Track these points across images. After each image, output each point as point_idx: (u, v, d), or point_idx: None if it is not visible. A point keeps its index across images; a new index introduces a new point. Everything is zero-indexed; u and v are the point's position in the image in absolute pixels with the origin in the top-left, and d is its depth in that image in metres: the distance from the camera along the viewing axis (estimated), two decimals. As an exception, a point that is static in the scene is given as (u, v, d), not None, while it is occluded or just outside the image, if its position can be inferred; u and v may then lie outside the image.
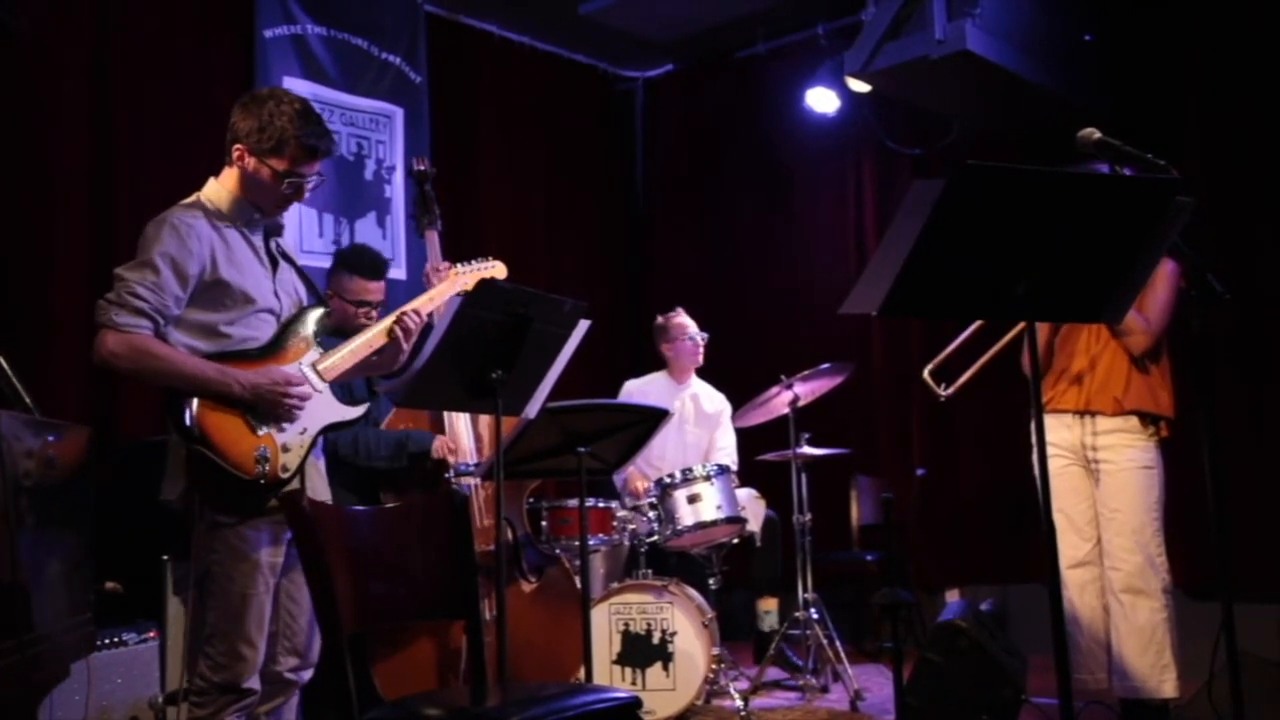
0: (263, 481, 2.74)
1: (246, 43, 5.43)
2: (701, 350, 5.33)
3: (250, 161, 2.85)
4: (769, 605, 5.17)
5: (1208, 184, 4.96)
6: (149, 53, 5.09)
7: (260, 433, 2.76)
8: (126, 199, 4.92)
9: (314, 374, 2.90)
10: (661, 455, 5.21)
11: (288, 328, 2.91)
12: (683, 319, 5.36)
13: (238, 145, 2.86)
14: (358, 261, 4.06)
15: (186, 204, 2.88)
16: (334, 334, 3.92)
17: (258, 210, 2.91)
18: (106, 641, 3.57)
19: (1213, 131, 5.17)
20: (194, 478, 2.74)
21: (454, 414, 4.01)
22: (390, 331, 3.04)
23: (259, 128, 2.83)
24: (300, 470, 2.84)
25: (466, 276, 3.43)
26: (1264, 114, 5.03)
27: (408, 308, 3.11)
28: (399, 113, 5.99)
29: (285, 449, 2.80)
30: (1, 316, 4.46)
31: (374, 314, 4.01)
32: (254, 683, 2.79)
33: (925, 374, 4.18)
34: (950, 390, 4.16)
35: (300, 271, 3.07)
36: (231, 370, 2.74)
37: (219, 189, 2.90)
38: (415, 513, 2.76)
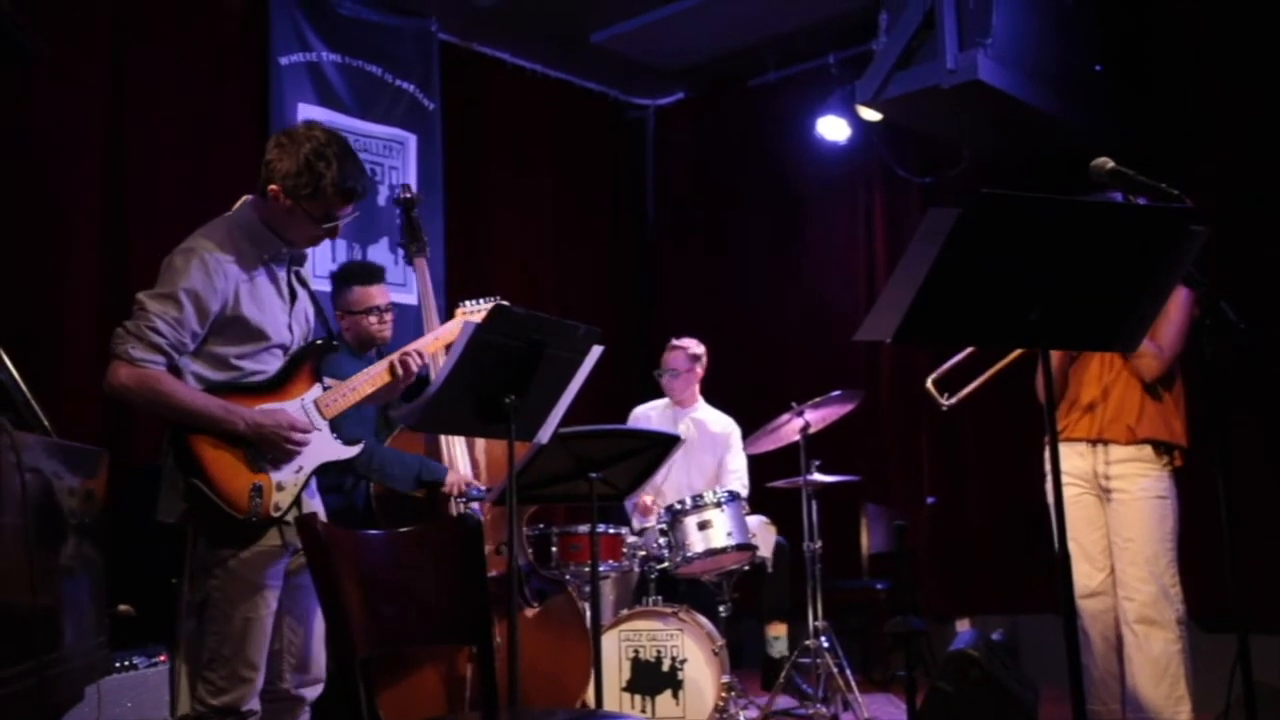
0: (254, 519, 2.75)
1: (262, 70, 5.48)
2: (677, 382, 5.30)
3: (286, 202, 2.81)
4: (778, 631, 5.15)
5: (1218, 212, 4.96)
6: (164, 78, 5.14)
7: (257, 469, 2.78)
8: (140, 223, 4.96)
9: (315, 411, 2.92)
10: (667, 481, 5.20)
11: (294, 362, 2.92)
12: (670, 353, 5.35)
13: (274, 185, 2.81)
14: (350, 274, 4.15)
15: (215, 233, 2.84)
16: (358, 353, 3.97)
17: (287, 244, 2.91)
18: (117, 665, 3.56)
19: (1223, 161, 5.17)
20: (190, 509, 2.76)
21: (450, 439, 4.00)
22: (392, 369, 3.05)
23: (296, 171, 2.77)
24: (294, 508, 2.84)
25: (473, 315, 3.43)
26: (1274, 144, 5.04)
27: (410, 348, 3.12)
28: (412, 139, 6.03)
29: (280, 487, 2.81)
30: (15, 339, 4.47)
31: (387, 318, 4.07)
32: (254, 704, 2.79)
33: (929, 383, 4.17)
34: (953, 400, 4.13)
35: (314, 299, 3.07)
36: (237, 408, 2.76)
37: (251, 218, 2.87)
38: (427, 537, 2.76)
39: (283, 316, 2.91)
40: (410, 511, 3.87)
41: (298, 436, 2.81)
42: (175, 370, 2.75)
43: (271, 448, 2.78)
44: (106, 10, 4.98)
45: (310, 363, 2.95)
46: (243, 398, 2.79)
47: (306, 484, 2.88)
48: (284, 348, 2.91)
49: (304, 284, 3.03)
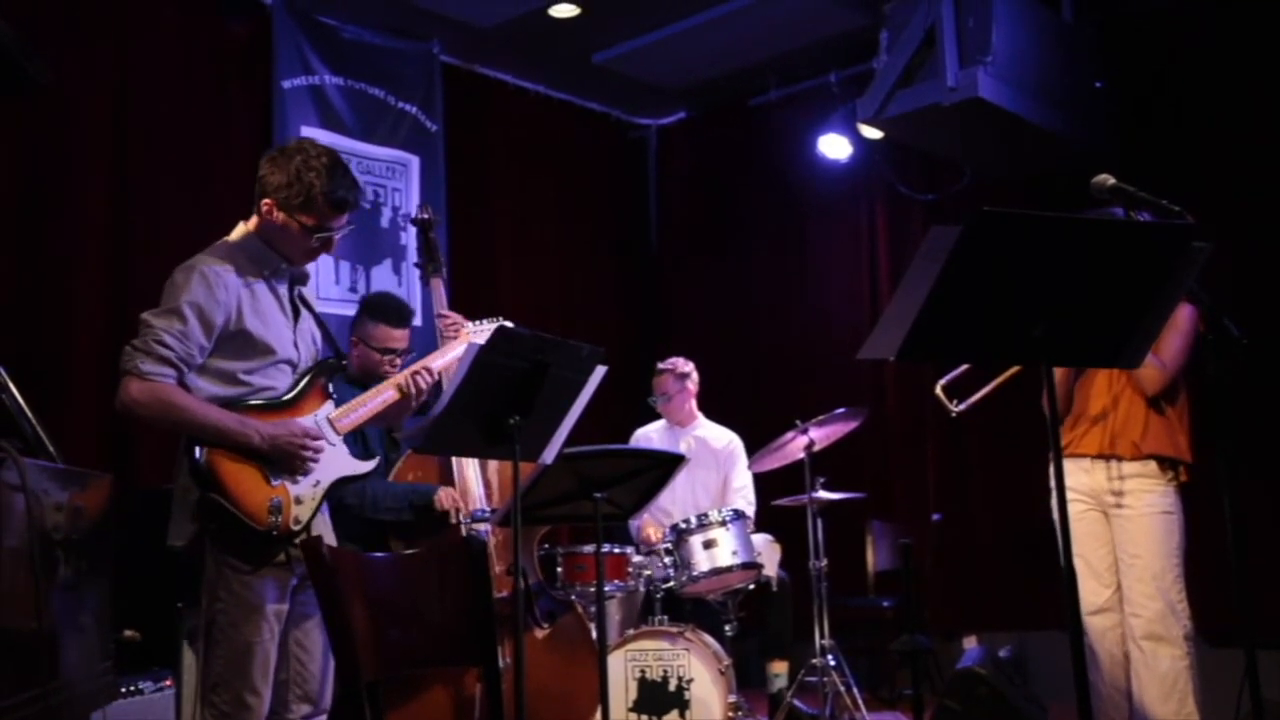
0: (274, 533, 2.75)
1: (265, 93, 5.51)
2: (671, 405, 5.29)
3: (279, 216, 2.85)
4: (779, 668, 5.10)
5: (1220, 228, 4.96)
6: (168, 103, 5.16)
7: (274, 484, 2.79)
8: (145, 249, 4.97)
9: (329, 427, 2.92)
10: (671, 500, 5.17)
11: (304, 379, 2.93)
12: (658, 378, 5.34)
13: (266, 199, 2.86)
14: (383, 309, 4.11)
15: (216, 251, 2.88)
16: (357, 381, 3.93)
17: (285, 260, 2.93)
18: (123, 690, 3.56)
19: (1224, 176, 5.18)
20: (205, 524, 2.75)
21: (463, 460, 4.00)
22: (402, 388, 3.06)
23: (287, 183, 2.82)
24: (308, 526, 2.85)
25: (479, 335, 3.43)
26: (1275, 159, 5.04)
27: (419, 365, 3.14)
28: (415, 161, 6.04)
29: (298, 501, 2.82)
30: (21, 364, 4.48)
31: (398, 361, 4.02)
32: None
33: (938, 388, 4.13)
34: (963, 406, 4.09)
35: (319, 320, 3.08)
36: (251, 421, 2.76)
37: (249, 236, 2.91)
38: (433, 559, 2.77)
39: (287, 332, 2.92)
40: (423, 538, 3.87)
41: (313, 445, 2.82)
42: (185, 387, 2.75)
43: (288, 459, 2.79)
44: (110, 34, 5.01)
45: (321, 380, 2.96)
46: (256, 415, 2.79)
47: (324, 499, 2.89)
48: (291, 364, 2.92)
49: (307, 305, 3.04)
